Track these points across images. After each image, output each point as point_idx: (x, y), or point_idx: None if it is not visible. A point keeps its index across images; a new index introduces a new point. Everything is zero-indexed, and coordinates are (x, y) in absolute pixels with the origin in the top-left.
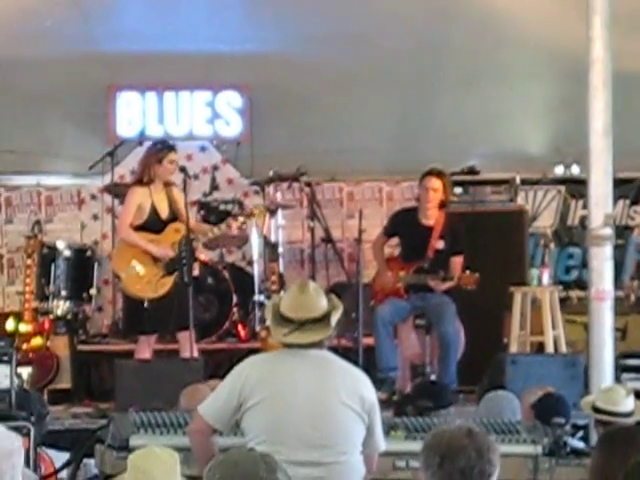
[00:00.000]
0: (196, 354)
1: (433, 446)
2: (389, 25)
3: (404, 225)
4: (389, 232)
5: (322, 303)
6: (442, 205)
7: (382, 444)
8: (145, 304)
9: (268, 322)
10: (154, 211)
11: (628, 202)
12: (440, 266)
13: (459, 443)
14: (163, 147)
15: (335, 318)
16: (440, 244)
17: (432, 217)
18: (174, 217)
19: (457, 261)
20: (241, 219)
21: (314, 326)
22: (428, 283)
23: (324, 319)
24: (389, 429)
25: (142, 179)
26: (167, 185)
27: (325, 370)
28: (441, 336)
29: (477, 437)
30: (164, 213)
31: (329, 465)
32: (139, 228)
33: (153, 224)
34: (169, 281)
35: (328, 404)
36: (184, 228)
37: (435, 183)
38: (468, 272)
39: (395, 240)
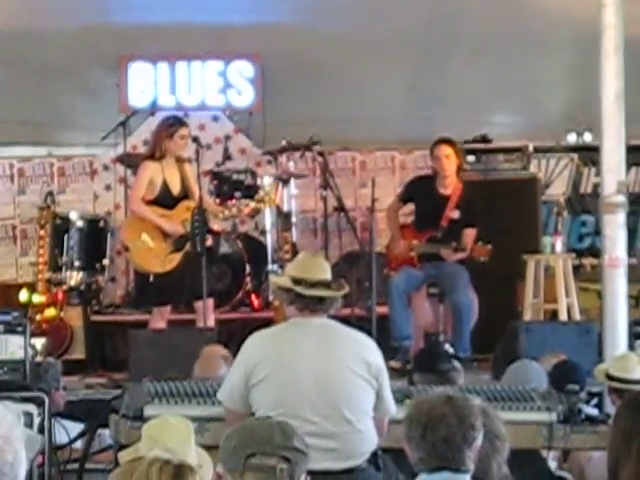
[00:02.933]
0: (212, 323)
1: (414, 417)
2: None
3: (420, 192)
4: (404, 198)
5: (329, 270)
6: (459, 170)
7: (392, 407)
8: (151, 278)
9: (284, 283)
10: (165, 187)
11: None
12: (453, 236)
13: (439, 411)
14: (174, 122)
15: (344, 283)
16: (455, 214)
17: (450, 186)
18: (186, 194)
19: (470, 233)
20: (252, 204)
21: (326, 287)
22: (440, 253)
23: (333, 283)
24: (403, 397)
25: (154, 154)
26: (180, 161)
27: (330, 338)
28: (455, 305)
29: (457, 403)
30: (175, 189)
31: (341, 435)
32: (150, 203)
33: (164, 200)
34: (177, 257)
35: (335, 372)
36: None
37: (446, 150)
38: (480, 243)
39: (408, 208)
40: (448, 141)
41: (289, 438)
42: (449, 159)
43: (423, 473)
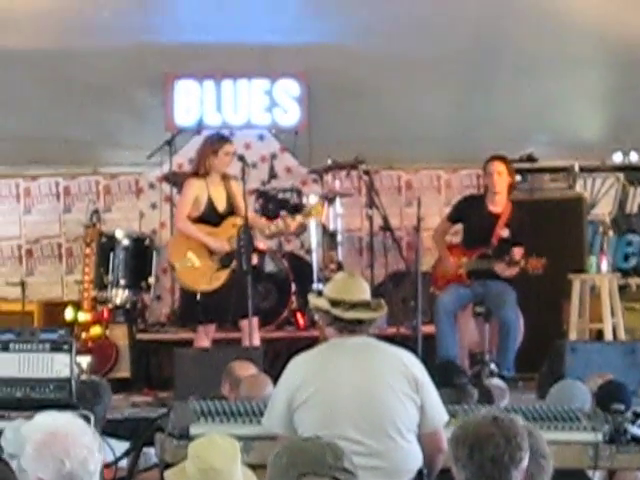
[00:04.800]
0: (257, 342)
1: (460, 437)
2: (446, 13)
3: (470, 211)
4: (454, 218)
5: (368, 290)
6: (511, 188)
7: (443, 417)
8: (198, 297)
9: (322, 305)
10: (211, 204)
11: None
12: (504, 254)
13: (486, 431)
14: (219, 139)
15: (384, 303)
16: (505, 232)
17: (500, 204)
18: (231, 210)
19: (517, 251)
20: (299, 218)
21: (365, 308)
22: (493, 268)
23: (372, 303)
24: (449, 417)
25: (198, 171)
26: (225, 178)
27: (369, 356)
28: (501, 322)
29: (503, 423)
30: (221, 206)
31: (385, 453)
32: (196, 220)
33: (210, 217)
34: (223, 275)
35: (375, 389)
36: (242, 222)
37: (499, 167)
38: (535, 256)
39: (454, 229)
40: (501, 158)
41: (340, 458)
42: (501, 176)
43: None
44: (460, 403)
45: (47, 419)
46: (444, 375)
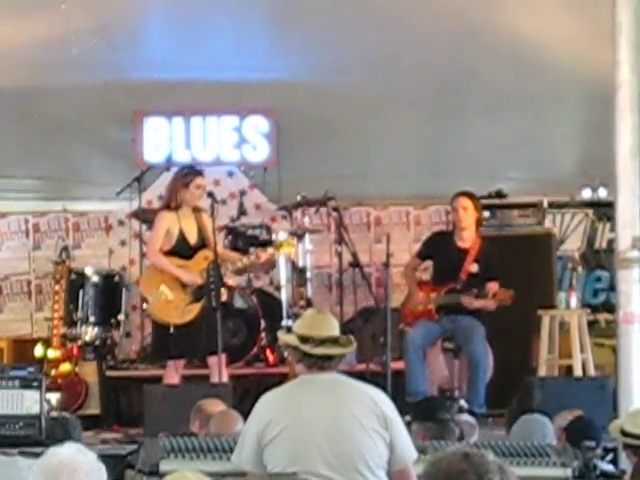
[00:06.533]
0: (226, 379)
1: (431, 475)
2: (415, 51)
3: (439, 247)
4: (423, 254)
5: (337, 327)
6: (478, 224)
7: (412, 454)
8: (171, 330)
9: (291, 342)
10: (182, 237)
11: None
12: (472, 289)
13: (457, 468)
14: (190, 172)
15: (353, 339)
16: (474, 267)
17: (468, 240)
18: (203, 243)
19: (492, 286)
20: (270, 250)
21: (334, 344)
22: (461, 301)
23: (341, 339)
24: (418, 453)
25: (170, 204)
26: (196, 211)
27: (339, 393)
28: (470, 356)
29: (474, 459)
30: (193, 239)
31: None
32: (168, 253)
33: (182, 250)
34: (196, 308)
35: (345, 426)
36: (213, 255)
37: (465, 202)
38: (502, 289)
39: (424, 265)
40: (467, 194)
41: None
42: (467, 211)
43: None
44: (442, 438)
45: (65, 451)
46: (428, 409)
